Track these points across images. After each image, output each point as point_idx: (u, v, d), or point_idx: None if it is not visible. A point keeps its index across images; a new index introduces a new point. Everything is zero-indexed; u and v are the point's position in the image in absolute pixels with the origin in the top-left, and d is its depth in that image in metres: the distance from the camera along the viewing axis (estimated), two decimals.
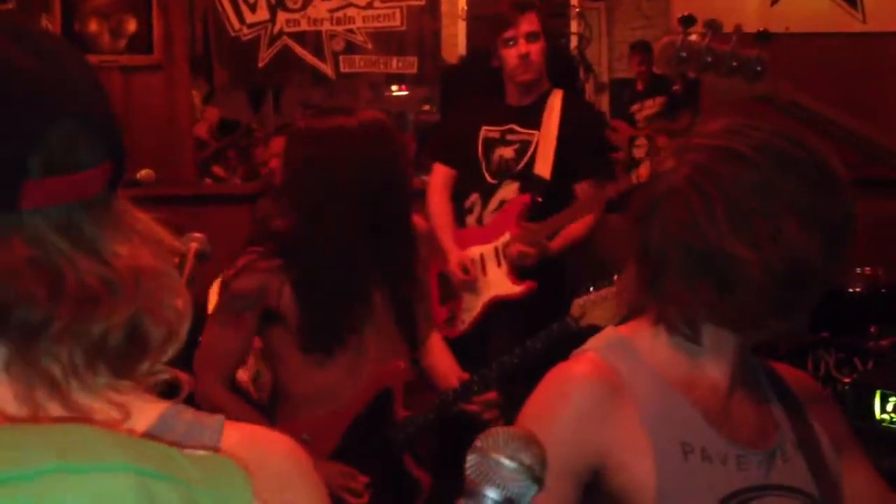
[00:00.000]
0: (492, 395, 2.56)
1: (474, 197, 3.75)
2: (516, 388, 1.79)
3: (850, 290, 3.58)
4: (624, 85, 8.24)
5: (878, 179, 2.53)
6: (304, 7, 5.16)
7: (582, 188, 3.69)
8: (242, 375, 3.27)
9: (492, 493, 0.91)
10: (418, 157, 5.45)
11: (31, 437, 0.70)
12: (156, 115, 4.95)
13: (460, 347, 3.10)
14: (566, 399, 1.36)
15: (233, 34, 5.14)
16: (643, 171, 3.41)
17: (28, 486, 0.66)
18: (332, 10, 5.17)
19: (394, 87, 7.83)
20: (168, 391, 0.87)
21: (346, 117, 2.43)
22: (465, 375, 2.61)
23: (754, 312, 1.33)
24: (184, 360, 0.87)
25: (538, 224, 3.59)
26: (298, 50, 5.19)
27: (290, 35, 5.17)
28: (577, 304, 2.59)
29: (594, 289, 2.56)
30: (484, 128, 3.75)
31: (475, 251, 3.70)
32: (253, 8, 5.14)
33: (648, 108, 7.39)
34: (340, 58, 5.21)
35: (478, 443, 0.94)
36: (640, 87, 7.74)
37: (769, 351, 2.15)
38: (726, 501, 1.34)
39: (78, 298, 0.77)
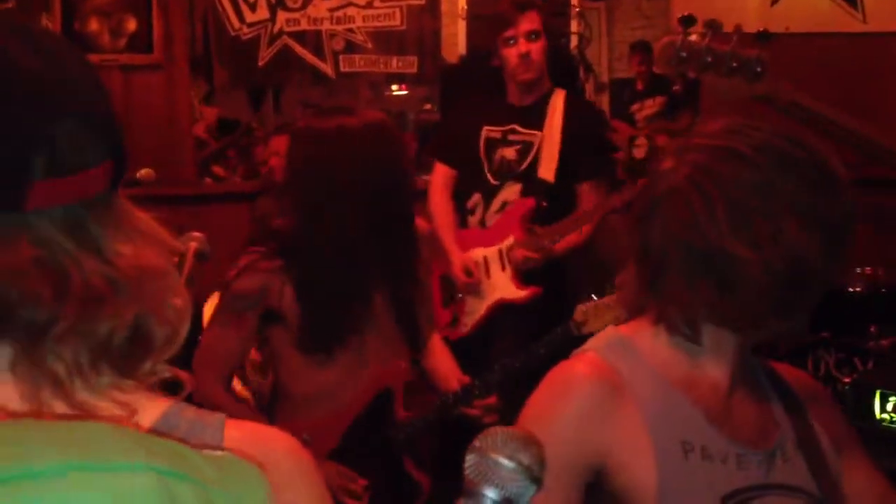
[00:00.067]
0: (492, 400, 2.56)
1: (476, 197, 3.73)
2: (517, 391, 1.79)
3: (850, 290, 3.57)
4: (624, 85, 8.25)
5: (878, 179, 2.53)
6: (304, 6, 5.16)
7: (584, 189, 3.68)
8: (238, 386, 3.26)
9: (490, 493, 0.91)
10: (419, 156, 5.46)
11: (52, 434, 0.71)
12: (156, 114, 4.94)
13: (462, 350, 3.10)
14: (567, 398, 1.36)
15: (233, 33, 5.14)
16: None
17: (50, 483, 0.67)
18: (332, 10, 5.17)
19: (394, 87, 7.82)
20: (166, 390, 0.87)
21: (349, 117, 2.43)
22: (466, 378, 2.62)
23: (754, 312, 1.33)
24: (182, 359, 0.87)
25: (544, 229, 3.58)
26: (298, 49, 5.19)
27: (290, 34, 5.17)
28: (581, 311, 2.61)
29: (597, 296, 2.58)
30: (485, 128, 3.73)
31: (478, 253, 3.69)
32: (253, 7, 5.14)
33: (648, 107, 7.39)
34: (340, 57, 5.21)
35: (476, 443, 0.94)
36: (640, 86, 7.74)
37: (769, 351, 2.15)
38: (727, 500, 1.34)
39: (83, 298, 0.77)
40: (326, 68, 5.21)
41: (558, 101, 3.70)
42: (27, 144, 0.76)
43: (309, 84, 5.59)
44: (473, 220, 3.75)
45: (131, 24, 4.92)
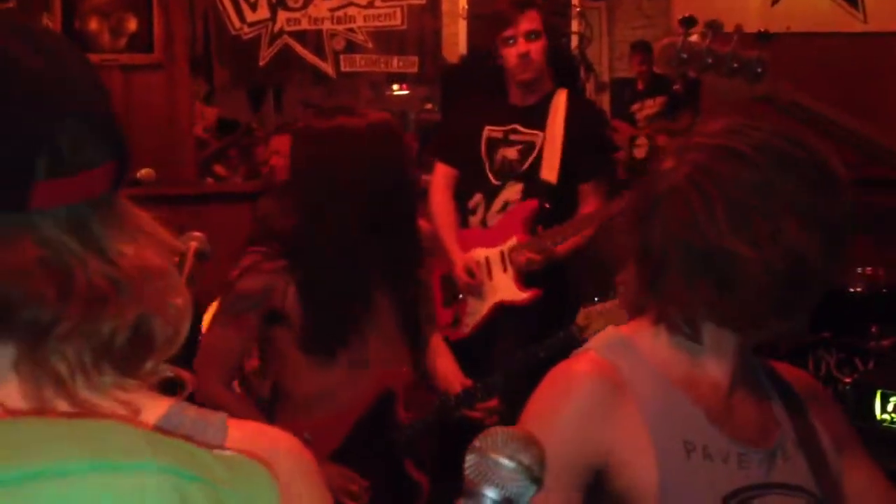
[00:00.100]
0: (494, 402, 2.56)
1: (478, 197, 3.73)
2: (518, 392, 1.79)
3: (851, 290, 3.57)
4: (624, 84, 8.25)
5: (878, 179, 2.53)
6: (304, 6, 5.16)
7: (585, 189, 3.67)
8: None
9: (490, 493, 0.91)
10: (420, 156, 5.45)
11: (65, 433, 0.71)
12: (156, 114, 4.94)
13: (463, 350, 3.10)
14: (568, 397, 1.37)
15: (233, 33, 5.14)
16: None
17: (63, 482, 0.67)
18: (332, 9, 5.17)
19: (394, 87, 7.82)
20: (167, 389, 0.87)
21: (353, 118, 2.43)
22: (467, 380, 2.62)
23: (755, 312, 1.33)
24: (183, 358, 0.87)
25: (547, 231, 3.58)
26: (299, 49, 5.19)
27: (290, 34, 5.17)
28: (583, 314, 2.62)
29: (600, 300, 2.58)
30: (487, 128, 3.73)
31: (480, 254, 3.69)
32: (253, 7, 5.14)
33: (649, 107, 7.39)
34: (341, 57, 5.21)
35: (477, 443, 0.94)
36: (640, 86, 7.74)
37: (769, 351, 2.15)
38: (728, 500, 1.34)
39: (87, 298, 0.77)
40: (327, 68, 5.21)
41: (561, 101, 3.69)
42: (29, 144, 0.76)
43: (309, 84, 5.59)
44: (475, 220, 3.74)
45: (131, 24, 4.92)
